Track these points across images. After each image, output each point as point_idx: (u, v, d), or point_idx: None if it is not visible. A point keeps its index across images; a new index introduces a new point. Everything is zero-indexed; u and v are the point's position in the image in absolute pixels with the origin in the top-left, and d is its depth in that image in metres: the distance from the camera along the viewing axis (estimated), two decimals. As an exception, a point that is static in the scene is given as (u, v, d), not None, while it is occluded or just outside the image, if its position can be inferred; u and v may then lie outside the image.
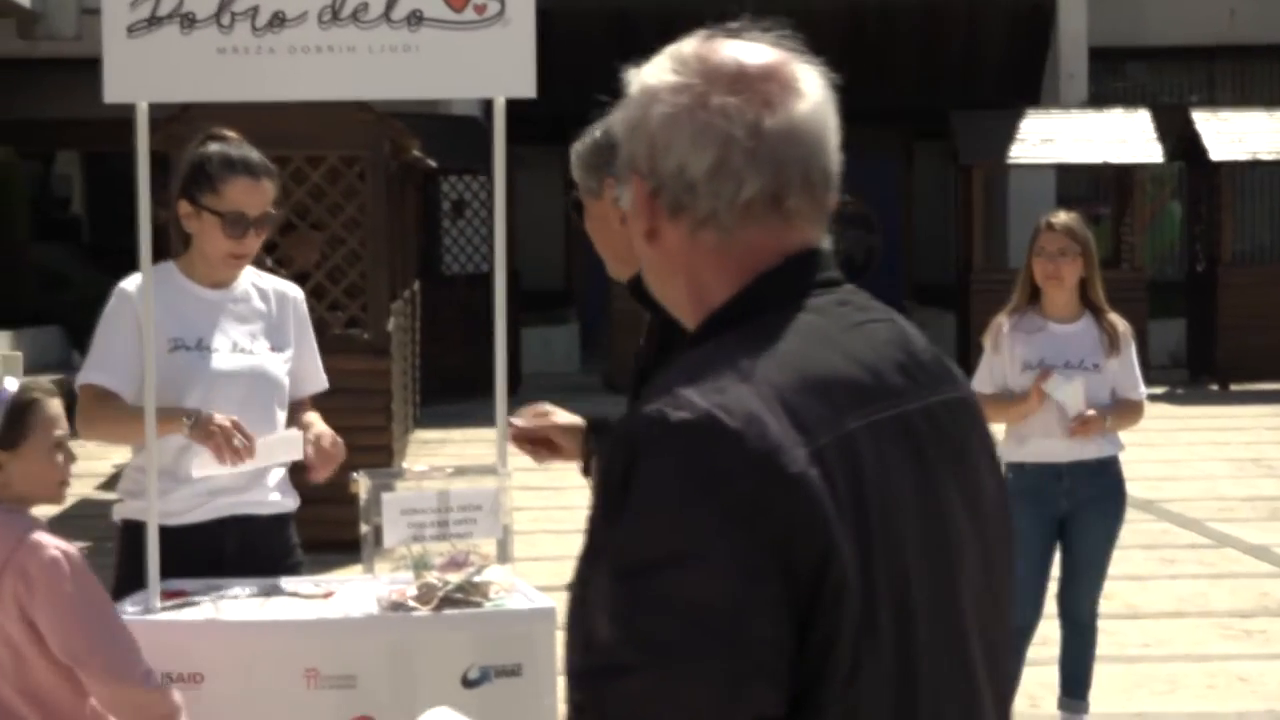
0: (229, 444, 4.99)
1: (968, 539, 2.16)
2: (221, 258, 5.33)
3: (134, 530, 5.29)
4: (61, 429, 4.47)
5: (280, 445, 5.26)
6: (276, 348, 5.39)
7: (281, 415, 5.38)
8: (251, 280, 5.50)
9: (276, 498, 5.44)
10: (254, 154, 5.39)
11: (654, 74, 2.25)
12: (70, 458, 4.54)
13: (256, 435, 5.10)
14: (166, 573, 5.10)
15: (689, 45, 2.27)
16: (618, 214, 3.41)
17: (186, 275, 5.38)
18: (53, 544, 4.38)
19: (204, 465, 5.11)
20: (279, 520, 5.51)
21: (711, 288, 2.18)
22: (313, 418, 5.50)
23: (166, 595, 5.14)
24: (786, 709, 1.92)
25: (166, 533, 5.18)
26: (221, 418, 5.03)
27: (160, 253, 5.65)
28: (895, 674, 2.00)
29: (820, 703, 1.93)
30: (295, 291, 5.57)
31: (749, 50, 2.24)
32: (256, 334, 5.36)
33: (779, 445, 1.93)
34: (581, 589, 2.01)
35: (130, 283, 5.41)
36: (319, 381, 5.70)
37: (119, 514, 5.45)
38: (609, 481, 1.99)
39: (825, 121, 2.26)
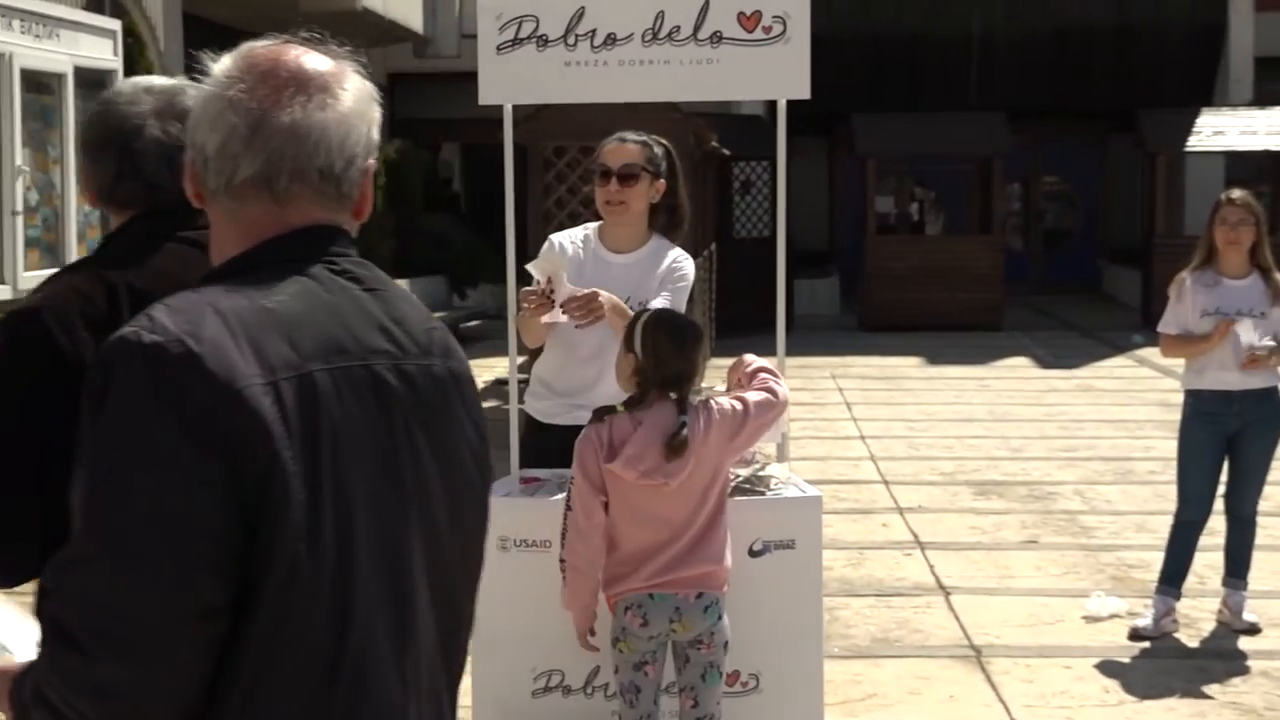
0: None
1: (432, 485, 2.00)
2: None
3: (526, 422, 5.44)
4: None
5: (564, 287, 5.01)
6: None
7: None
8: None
9: None
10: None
11: (220, 62, 2.03)
12: None
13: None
14: (545, 458, 5.22)
15: (256, 43, 2.04)
16: None
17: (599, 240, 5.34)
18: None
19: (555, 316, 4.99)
20: None
21: (226, 246, 2.01)
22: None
23: (524, 481, 5.23)
24: (232, 600, 1.78)
25: (543, 427, 5.30)
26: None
27: (520, 217, 5.69)
28: (333, 587, 1.85)
29: (259, 598, 1.79)
30: None
31: (297, 56, 2.01)
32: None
33: (237, 372, 1.79)
34: (76, 486, 1.85)
35: (555, 235, 5.46)
36: None
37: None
38: (90, 390, 1.83)
39: (341, 127, 2.00)
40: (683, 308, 5.09)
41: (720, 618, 4.45)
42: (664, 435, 4.32)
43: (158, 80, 3.06)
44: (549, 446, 5.16)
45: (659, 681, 4.53)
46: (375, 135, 2.07)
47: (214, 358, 1.78)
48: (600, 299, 4.87)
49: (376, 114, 2.07)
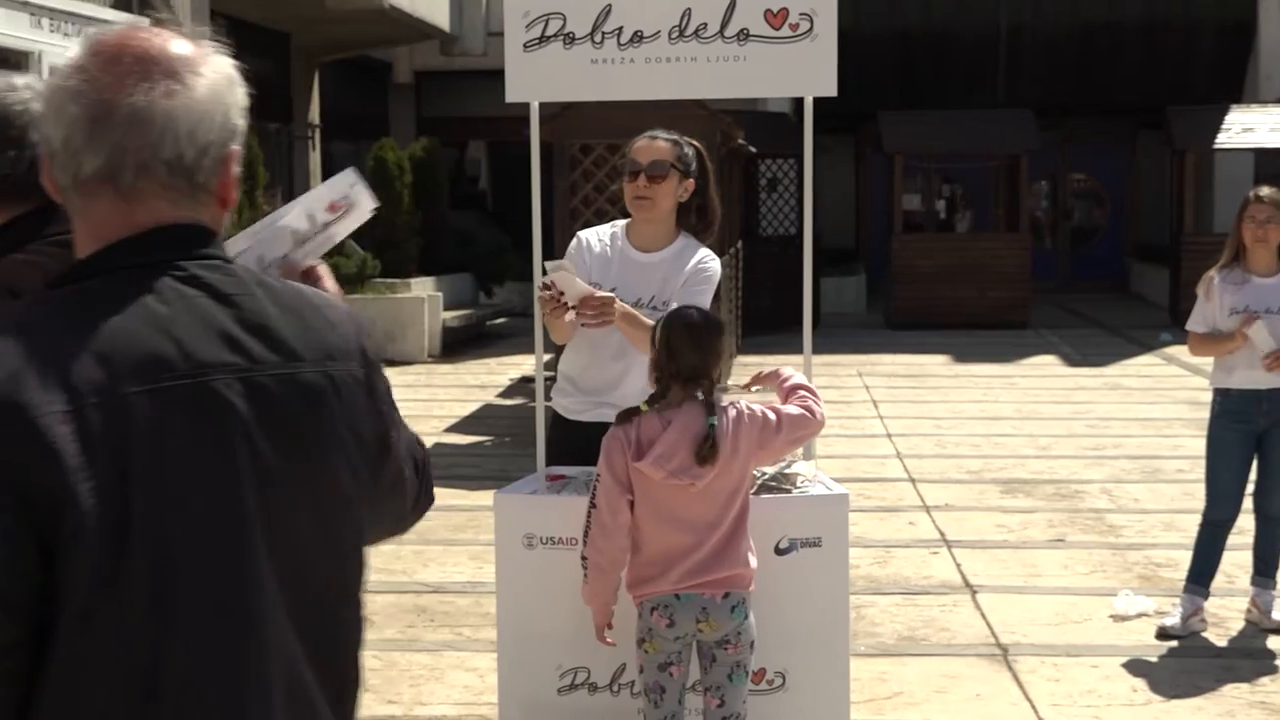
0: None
1: (285, 503, 1.86)
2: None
3: (552, 418, 5.46)
4: None
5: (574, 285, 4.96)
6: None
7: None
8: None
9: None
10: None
11: (74, 49, 1.91)
12: None
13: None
14: (570, 454, 5.23)
15: (106, 30, 1.92)
16: None
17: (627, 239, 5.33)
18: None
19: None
20: None
21: (84, 249, 1.89)
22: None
23: (551, 478, 5.23)
24: (28, 634, 1.70)
25: (568, 423, 5.31)
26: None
27: (546, 215, 5.70)
28: (145, 617, 1.74)
29: (57, 633, 1.71)
30: None
31: (144, 41, 1.88)
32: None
33: (29, 400, 1.68)
34: None
35: (583, 232, 5.47)
36: None
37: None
38: None
39: (191, 114, 1.87)
40: (707, 305, 5.07)
41: (747, 617, 4.45)
42: (693, 435, 4.32)
43: (17, 76, 2.95)
44: (574, 444, 5.17)
45: (684, 682, 4.53)
46: (236, 120, 1.95)
47: (5, 386, 1.70)
48: (614, 305, 4.88)
49: (237, 97, 1.95)
